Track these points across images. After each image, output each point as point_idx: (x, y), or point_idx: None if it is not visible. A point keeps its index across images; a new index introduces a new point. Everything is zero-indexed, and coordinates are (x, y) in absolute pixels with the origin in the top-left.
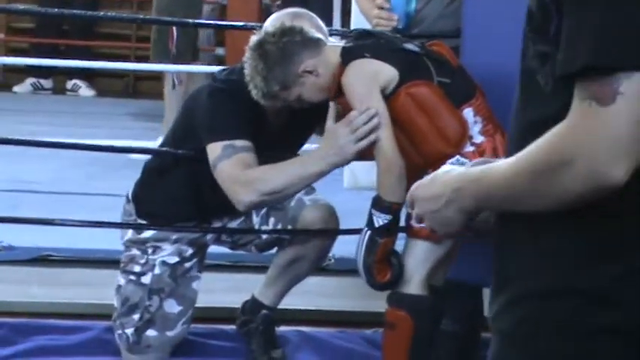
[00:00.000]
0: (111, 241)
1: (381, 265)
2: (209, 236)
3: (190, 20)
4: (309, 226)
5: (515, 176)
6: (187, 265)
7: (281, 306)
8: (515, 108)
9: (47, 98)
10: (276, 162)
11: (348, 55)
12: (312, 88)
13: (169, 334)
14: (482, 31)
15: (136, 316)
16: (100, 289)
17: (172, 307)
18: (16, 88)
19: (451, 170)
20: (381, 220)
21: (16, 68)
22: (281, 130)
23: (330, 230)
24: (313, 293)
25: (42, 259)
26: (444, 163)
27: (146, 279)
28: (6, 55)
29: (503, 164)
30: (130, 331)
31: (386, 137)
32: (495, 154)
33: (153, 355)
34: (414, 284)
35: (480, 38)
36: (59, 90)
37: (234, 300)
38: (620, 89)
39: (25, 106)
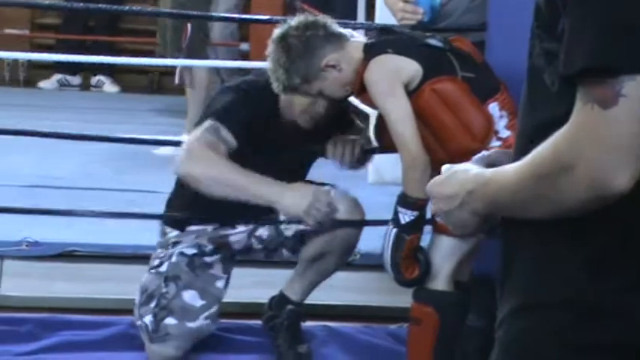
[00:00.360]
0: (136, 236)
1: (408, 261)
2: (235, 241)
3: (215, 14)
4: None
5: (520, 181)
6: (207, 259)
7: (307, 301)
8: (521, 107)
9: (72, 94)
10: (286, 164)
11: (370, 51)
12: (333, 83)
13: (189, 325)
14: (508, 25)
15: (153, 304)
16: (126, 284)
17: (194, 299)
18: (41, 84)
19: (469, 170)
20: (407, 216)
21: (42, 64)
22: (295, 134)
23: (356, 221)
24: (339, 288)
25: (67, 254)
26: (469, 158)
27: (163, 267)
28: (30, 51)
29: (510, 168)
30: (148, 318)
31: (410, 133)
32: None
33: (173, 344)
34: (440, 280)
35: (506, 32)
36: (84, 86)
37: (263, 295)
38: (622, 91)
39: (50, 102)
